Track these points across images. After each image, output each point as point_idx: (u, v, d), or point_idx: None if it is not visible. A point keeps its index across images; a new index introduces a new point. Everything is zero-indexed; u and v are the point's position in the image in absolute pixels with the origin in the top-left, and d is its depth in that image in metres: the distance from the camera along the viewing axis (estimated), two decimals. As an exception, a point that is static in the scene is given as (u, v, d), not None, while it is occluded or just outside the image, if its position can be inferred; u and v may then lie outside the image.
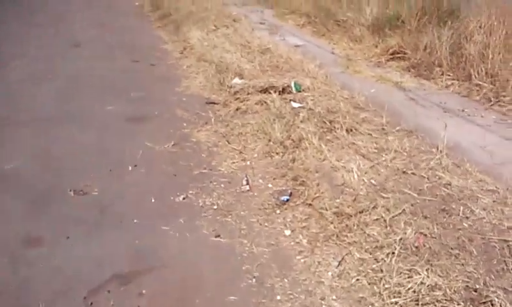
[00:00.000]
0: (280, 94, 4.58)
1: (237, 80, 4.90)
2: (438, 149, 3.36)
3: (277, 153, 3.50)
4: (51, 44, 6.98)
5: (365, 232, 2.57)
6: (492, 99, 4.35)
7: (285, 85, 4.70)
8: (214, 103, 4.68)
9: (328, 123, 3.86)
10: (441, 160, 3.20)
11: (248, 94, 4.60)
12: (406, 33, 6.59)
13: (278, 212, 2.83)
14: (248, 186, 3.12)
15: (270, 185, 3.13)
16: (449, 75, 5.02)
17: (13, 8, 9.99)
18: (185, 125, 4.14)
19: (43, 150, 3.58)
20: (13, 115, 4.25)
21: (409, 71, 5.40)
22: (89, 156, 3.50)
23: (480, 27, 4.98)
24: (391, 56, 5.78)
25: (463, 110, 4.26)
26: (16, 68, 5.69)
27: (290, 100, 4.48)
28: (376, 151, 3.42)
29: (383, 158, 3.28)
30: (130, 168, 3.33)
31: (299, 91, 4.66)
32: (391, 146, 3.46)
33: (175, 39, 7.30)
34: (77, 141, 3.77)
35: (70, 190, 2.97)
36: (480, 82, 4.53)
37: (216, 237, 2.57)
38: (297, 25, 8.26)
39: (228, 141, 3.78)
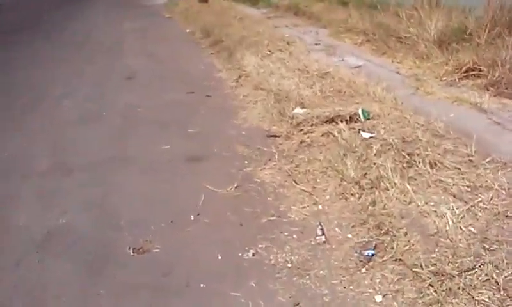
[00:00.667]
0: (347, 123, 4.20)
1: (298, 109, 4.57)
2: (544, 186, 2.87)
3: (352, 195, 3.12)
4: (103, 79, 6.92)
5: (473, 298, 2.14)
6: None
7: (352, 113, 4.32)
8: (276, 136, 4.36)
9: (406, 156, 3.45)
10: (552, 200, 2.71)
11: (312, 125, 4.25)
12: (477, 47, 6.08)
13: (363, 270, 2.44)
14: (323, 237, 2.75)
15: (349, 236, 2.75)
16: (537, 93, 4.47)
17: (59, 42, 10.16)
18: (246, 162, 3.85)
19: (98, 199, 3.37)
20: (65, 160, 4.07)
21: (487, 89, 4.87)
22: (147, 205, 3.26)
23: None
24: (465, 74, 5.27)
25: (561, 135, 3.72)
26: (68, 108, 5.60)
27: (359, 129, 4.10)
28: (468, 189, 2.97)
29: (479, 199, 2.83)
30: (192, 217, 3.05)
31: (368, 119, 4.27)
32: (485, 182, 3.00)
33: (229, 67, 7.09)
34: (134, 187, 3.54)
35: (129, 249, 2.72)
36: None
37: (295, 306, 2.21)
38: (355, 43, 7.85)
39: (295, 181, 3.43)
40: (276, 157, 3.89)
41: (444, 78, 5.40)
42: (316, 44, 8.08)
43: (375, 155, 3.52)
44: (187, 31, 11.05)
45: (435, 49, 6.09)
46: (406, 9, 7.97)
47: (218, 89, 6.13)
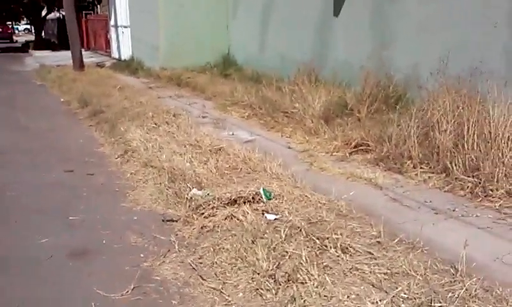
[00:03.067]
0: (249, 204, 3.97)
1: (195, 191, 4.24)
2: (455, 269, 2.88)
3: (268, 290, 2.82)
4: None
5: None
6: (479, 194, 4.03)
7: (254, 193, 4.10)
8: (173, 220, 3.96)
9: (316, 240, 3.28)
10: (465, 285, 2.70)
11: (213, 208, 3.93)
12: (359, 122, 6.41)
13: None
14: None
15: (273, 343, 2.43)
16: (423, 168, 4.71)
17: None
18: (142, 256, 3.37)
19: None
20: None
21: (376, 164, 5.04)
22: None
23: (447, 114, 4.78)
24: (354, 149, 5.44)
25: (454, 210, 3.88)
26: None
27: (263, 211, 3.89)
28: (385, 277, 2.86)
29: (399, 288, 2.71)
30: (80, 337, 2.49)
31: (270, 199, 4.09)
32: (400, 268, 2.92)
33: (112, 141, 6.56)
34: (4, 300, 2.85)
35: None
36: (463, 176, 4.22)
37: None
38: (242, 117, 7.86)
39: (201, 277, 3.05)
40: (176, 246, 3.47)
41: (334, 154, 5.51)
42: (203, 117, 7.95)
43: (284, 240, 3.30)
44: (62, 100, 10.27)
45: (322, 124, 6.27)
46: (288, 84, 8.29)
47: (101, 166, 5.57)
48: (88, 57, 18.00)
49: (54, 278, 3.07)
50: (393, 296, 2.64)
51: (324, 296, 2.67)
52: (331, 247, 3.19)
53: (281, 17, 10.88)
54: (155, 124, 6.99)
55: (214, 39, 13.26)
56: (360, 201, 4.09)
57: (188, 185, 4.42)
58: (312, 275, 2.83)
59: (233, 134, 6.71)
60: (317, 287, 2.74)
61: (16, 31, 47.14)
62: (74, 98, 9.96)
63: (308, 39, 9.86)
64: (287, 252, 3.12)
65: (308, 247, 3.19)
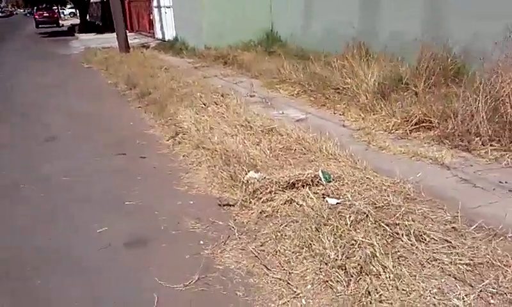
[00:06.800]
0: (309, 188, 3.78)
1: (252, 173, 4.07)
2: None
3: (338, 282, 2.64)
4: (18, 141, 6.03)
5: None
6: (563, 174, 3.68)
7: (312, 176, 3.90)
8: (230, 205, 3.83)
9: (385, 226, 3.06)
10: None
11: (270, 192, 3.77)
12: (416, 97, 6.05)
13: None
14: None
15: (349, 341, 2.26)
16: (493, 145, 4.37)
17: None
18: (202, 243, 3.26)
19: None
20: None
21: (441, 142, 4.72)
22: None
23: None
24: (415, 126, 5.12)
25: (534, 192, 3.55)
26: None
27: (323, 195, 3.68)
28: (467, 268, 2.61)
29: (485, 281, 2.46)
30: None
31: (330, 182, 3.88)
32: (484, 258, 2.66)
33: (162, 122, 6.49)
34: (64, 297, 2.80)
35: None
36: (543, 155, 3.86)
37: None
38: (291, 94, 7.61)
39: (265, 266, 2.90)
40: (236, 232, 3.34)
41: (393, 131, 5.21)
42: (251, 96, 7.74)
43: (351, 227, 3.10)
44: (110, 82, 10.32)
45: (378, 100, 5.96)
46: (337, 59, 7.94)
47: (153, 148, 5.51)
48: (132, 39, 18.10)
49: (113, 272, 2.98)
50: (480, 290, 2.40)
51: (403, 290, 2.46)
52: (403, 235, 2.96)
53: (328, -11, 10.47)
54: (204, 104, 6.85)
55: (257, 16, 12.97)
56: (428, 182, 3.81)
57: (243, 167, 4.27)
58: (385, 266, 2.62)
59: (283, 113, 6.50)
60: (393, 280, 2.53)
61: (62, 15, 48.27)
62: (121, 79, 9.99)
63: (356, 11, 9.43)
64: (355, 240, 2.91)
65: (377, 234, 2.97)
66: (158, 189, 4.29)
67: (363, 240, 2.89)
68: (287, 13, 12.48)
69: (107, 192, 4.24)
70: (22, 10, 79.67)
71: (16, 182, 4.50)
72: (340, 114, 6.22)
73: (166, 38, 17.00)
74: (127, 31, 16.38)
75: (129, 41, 14.94)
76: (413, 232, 2.97)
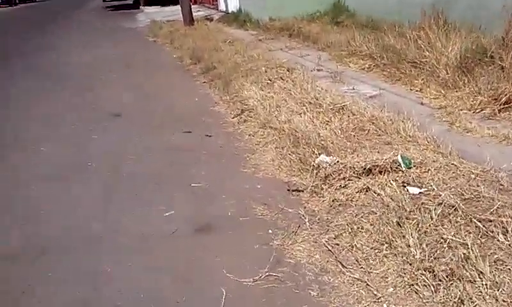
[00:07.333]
0: (387, 175, 3.47)
1: (324, 157, 3.81)
2: None
3: (425, 286, 2.36)
4: (87, 116, 6.09)
5: None
6: None
7: (390, 161, 3.58)
8: (299, 190, 3.61)
9: (477, 223, 2.72)
10: None
11: (344, 178, 3.49)
12: (502, 71, 5.46)
13: None
14: None
15: None
16: None
17: (35, 74, 9.30)
18: (270, 231, 3.07)
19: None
20: (34, 240, 3.21)
21: (537, 124, 4.21)
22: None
23: None
24: (504, 106, 4.61)
25: None
26: (43, 155, 4.75)
27: (404, 183, 3.36)
28: None
29: None
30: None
31: (410, 168, 3.54)
32: None
33: (227, 99, 6.34)
34: (131, 282, 2.71)
35: None
36: None
37: None
38: (362, 69, 7.18)
39: (341, 263, 2.66)
40: (307, 222, 3.12)
41: (478, 111, 4.73)
42: (318, 70, 7.39)
43: (437, 221, 2.78)
44: (175, 56, 10.29)
45: (460, 75, 5.44)
46: (411, 29, 7.38)
47: (218, 126, 5.36)
48: (196, 11, 18.03)
49: (179, 261, 2.85)
50: None
51: (503, 301, 2.14)
52: (498, 234, 2.61)
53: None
54: (269, 80, 6.60)
55: (324, -15, 12.40)
56: (524, 171, 3.38)
57: (313, 149, 4.01)
58: (481, 271, 2.30)
59: (354, 89, 6.12)
60: (491, 288, 2.21)
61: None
62: (186, 53, 9.93)
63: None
64: (443, 238, 2.60)
65: (469, 232, 2.64)
66: (224, 171, 4.14)
67: (453, 238, 2.58)
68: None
69: (173, 173, 4.14)
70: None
71: (81, 162, 4.50)
72: (417, 91, 5.75)
73: (230, 10, 16.76)
74: (191, 3, 16.31)
75: (193, 14, 14.87)
76: (511, 231, 2.61)
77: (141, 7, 26.18)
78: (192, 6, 16.26)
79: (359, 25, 10.00)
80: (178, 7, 14.68)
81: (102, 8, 26.96)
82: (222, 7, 18.59)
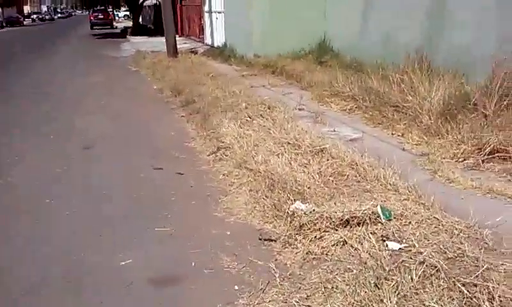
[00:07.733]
0: (365, 227, 3.23)
1: (299, 204, 3.57)
2: None
3: None
4: (55, 148, 5.78)
5: None
6: None
7: (370, 212, 3.35)
8: (271, 240, 3.35)
9: (461, 287, 2.48)
10: None
11: (320, 229, 3.25)
12: (485, 119, 5.36)
13: None
14: None
15: None
16: None
17: (11, 98, 9.00)
18: (237, 288, 2.78)
19: None
20: None
21: (521, 177, 4.05)
22: None
23: None
24: (488, 156, 4.45)
25: None
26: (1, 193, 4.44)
27: (383, 236, 3.13)
28: None
29: None
30: None
31: (390, 220, 3.32)
32: None
33: (204, 135, 6.11)
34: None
35: None
36: None
37: None
38: (344, 110, 7.04)
39: (313, 330, 2.39)
40: (277, 278, 2.85)
41: (461, 160, 4.56)
42: (300, 109, 7.23)
43: (418, 284, 2.54)
44: (155, 87, 10.10)
45: (444, 122, 5.30)
46: (395, 73, 7.31)
47: (192, 164, 5.11)
48: (182, 43, 18.02)
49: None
50: None
51: None
52: (484, 301, 2.38)
53: (386, -2, 9.82)
54: (249, 117, 6.40)
55: (309, 25, 12.38)
56: (509, 228, 3.18)
57: (289, 195, 3.77)
58: (467, 348, 2.05)
59: (334, 130, 5.95)
60: None
61: (117, 17, 49.58)
62: (167, 85, 9.74)
63: (417, 21, 8.73)
64: (424, 305, 2.36)
65: (452, 298, 2.40)
66: (193, 214, 3.87)
67: (436, 305, 2.33)
68: (341, 22, 11.87)
69: (138, 214, 3.86)
70: (79, 11, 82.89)
71: (41, 200, 4.19)
72: (399, 135, 5.60)
73: (215, 44, 16.77)
74: (177, 35, 16.28)
75: (178, 46, 14.80)
76: (498, 297, 2.38)
77: (128, 36, 26.20)
78: (179, 38, 16.26)
79: (343, 65, 9.95)
80: (164, 38, 14.60)
81: (90, 35, 26.87)
82: (208, 41, 18.62)
